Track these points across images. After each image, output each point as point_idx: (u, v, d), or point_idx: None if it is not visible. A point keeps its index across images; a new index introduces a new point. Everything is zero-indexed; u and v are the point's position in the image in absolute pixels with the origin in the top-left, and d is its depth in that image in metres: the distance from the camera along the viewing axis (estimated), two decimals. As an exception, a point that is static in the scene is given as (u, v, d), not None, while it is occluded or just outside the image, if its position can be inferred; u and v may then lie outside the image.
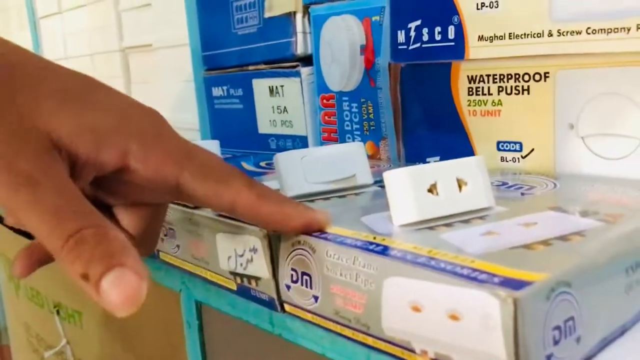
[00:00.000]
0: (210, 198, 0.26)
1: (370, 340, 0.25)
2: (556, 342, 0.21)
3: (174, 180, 0.25)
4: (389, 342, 0.24)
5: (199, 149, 0.27)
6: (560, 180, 0.35)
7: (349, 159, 0.36)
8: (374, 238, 0.26)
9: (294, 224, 0.27)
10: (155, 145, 0.25)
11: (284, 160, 0.35)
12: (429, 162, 0.44)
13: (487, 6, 0.37)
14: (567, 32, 0.33)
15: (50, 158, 0.22)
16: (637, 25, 0.31)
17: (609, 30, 0.32)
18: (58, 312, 0.69)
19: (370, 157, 0.50)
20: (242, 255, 0.31)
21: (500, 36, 0.36)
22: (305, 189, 0.35)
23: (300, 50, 0.54)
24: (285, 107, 0.57)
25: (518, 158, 0.39)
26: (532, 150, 0.38)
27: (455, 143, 0.42)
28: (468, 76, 0.41)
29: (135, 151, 0.24)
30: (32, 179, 0.21)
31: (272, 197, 0.27)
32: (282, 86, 0.56)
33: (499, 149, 0.40)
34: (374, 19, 0.46)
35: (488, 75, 0.39)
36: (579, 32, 0.33)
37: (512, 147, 0.39)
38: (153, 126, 0.26)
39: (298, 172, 0.35)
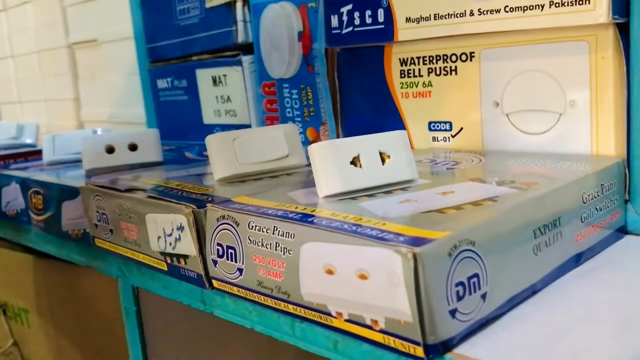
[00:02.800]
0: None
1: (291, 308, 0.25)
2: (460, 298, 0.22)
3: None
4: (309, 308, 0.24)
5: None
6: (486, 156, 0.36)
7: (282, 140, 0.37)
8: (296, 208, 0.27)
9: None
10: None
11: (215, 142, 0.35)
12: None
13: (413, -12, 0.38)
14: (487, 10, 0.34)
15: None
16: (550, 1, 0.32)
17: (525, 8, 0.33)
18: (4, 312, 0.68)
19: (311, 142, 0.51)
20: (170, 235, 0.31)
21: (426, 17, 0.37)
22: (236, 169, 0.35)
23: (241, 38, 0.54)
24: (228, 97, 0.57)
25: (448, 137, 0.40)
26: (461, 129, 0.39)
27: (390, 125, 0.43)
28: (400, 59, 0.41)
29: None
30: None
31: None
32: (224, 75, 0.56)
33: (430, 129, 0.41)
34: (310, 5, 0.47)
35: (418, 57, 0.40)
36: (497, 11, 0.34)
37: (443, 126, 0.40)
38: None
39: (229, 153, 0.35)
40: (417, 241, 0.21)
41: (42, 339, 0.62)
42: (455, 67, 0.39)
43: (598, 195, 0.30)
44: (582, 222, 0.29)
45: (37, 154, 0.63)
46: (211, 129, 0.60)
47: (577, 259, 0.29)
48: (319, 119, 0.49)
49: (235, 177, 0.35)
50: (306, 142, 0.51)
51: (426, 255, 0.20)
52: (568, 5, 0.31)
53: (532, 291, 0.26)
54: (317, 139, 0.50)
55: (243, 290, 0.28)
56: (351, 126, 0.46)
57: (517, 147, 0.37)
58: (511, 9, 0.34)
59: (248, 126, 0.56)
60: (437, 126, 0.40)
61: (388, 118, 0.43)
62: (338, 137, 0.47)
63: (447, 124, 0.40)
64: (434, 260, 0.21)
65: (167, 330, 0.38)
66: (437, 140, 0.41)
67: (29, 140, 0.69)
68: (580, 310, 0.24)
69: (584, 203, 0.29)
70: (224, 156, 0.35)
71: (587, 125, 0.34)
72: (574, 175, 0.29)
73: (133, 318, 0.40)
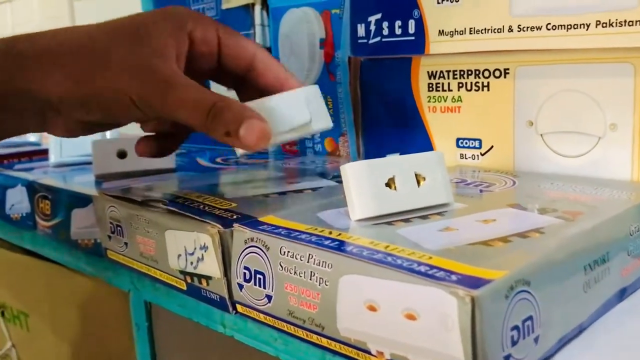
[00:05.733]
0: (238, 48, 0.35)
1: (324, 342, 0.24)
2: (514, 343, 0.20)
3: (217, 36, 0.35)
4: (344, 343, 0.23)
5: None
6: (519, 178, 0.35)
7: (303, 105, 0.33)
8: (330, 233, 0.25)
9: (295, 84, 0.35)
10: (199, 21, 0.34)
11: None
12: (388, 158, 0.44)
13: (447, 0, 0.36)
14: (527, 27, 0.33)
15: (177, 66, 0.32)
16: (597, 21, 0.31)
17: (569, 27, 0.32)
18: (3, 314, 0.66)
19: (329, 153, 0.49)
20: (192, 254, 0.29)
21: (460, 31, 0.36)
22: None
23: (258, 42, 0.52)
24: (243, 102, 0.55)
25: (477, 155, 0.38)
26: (492, 147, 0.38)
27: (415, 139, 0.41)
28: (428, 72, 0.40)
29: (194, 28, 0.34)
30: (172, 83, 0.31)
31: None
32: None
33: (458, 146, 0.39)
34: (333, 11, 0.45)
35: (448, 71, 0.39)
36: (538, 28, 0.33)
37: (472, 144, 0.39)
38: (190, 14, 0.35)
39: None
40: (472, 282, 0.19)
41: (42, 344, 0.60)
42: (488, 83, 0.37)
43: (643, 227, 0.29)
44: (628, 255, 0.27)
45: (41, 153, 0.61)
46: (223, 133, 0.58)
47: (622, 294, 0.27)
48: (339, 129, 0.47)
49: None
50: (323, 153, 0.49)
51: (484, 298, 0.19)
52: (616, 25, 0.30)
53: (579, 330, 0.24)
54: (335, 150, 0.48)
55: (271, 319, 0.26)
56: (372, 138, 0.45)
57: (550, 169, 0.36)
58: (554, 27, 0.32)
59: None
60: (466, 143, 0.39)
61: (413, 132, 0.41)
62: (358, 149, 0.46)
63: (477, 142, 0.38)
64: (491, 304, 0.19)
65: (180, 348, 0.37)
66: (465, 158, 0.39)
67: (33, 139, 0.68)
68: (629, 349, 0.23)
69: (631, 235, 0.27)
70: None
71: (628, 150, 0.32)
72: (620, 206, 0.28)
73: (144, 333, 0.38)
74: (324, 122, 0.34)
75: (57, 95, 0.31)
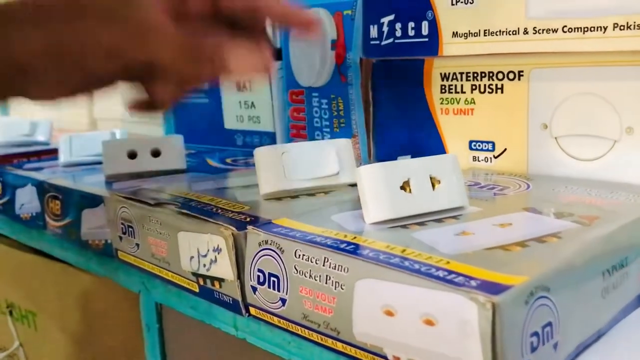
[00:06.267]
0: None
1: (339, 346, 0.24)
2: (534, 349, 0.20)
3: None
4: (360, 348, 0.23)
5: None
6: (533, 181, 0.34)
7: (333, 156, 0.34)
8: (345, 236, 0.25)
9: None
10: None
11: (263, 155, 0.33)
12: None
13: (462, 2, 0.36)
14: (543, 29, 0.33)
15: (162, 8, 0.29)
16: (614, 24, 0.30)
17: (585, 29, 0.31)
18: (11, 313, 0.66)
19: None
20: (205, 256, 0.29)
21: (475, 33, 0.36)
22: (283, 185, 0.33)
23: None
24: (252, 103, 0.55)
25: (490, 158, 0.38)
26: (505, 150, 0.38)
27: (427, 142, 0.41)
28: (441, 74, 0.40)
29: None
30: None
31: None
32: (250, 81, 0.54)
33: (471, 149, 0.39)
34: (345, 13, 0.45)
35: (461, 73, 0.39)
36: (554, 30, 0.32)
37: (485, 146, 0.38)
38: None
39: (277, 167, 0.33)
40: (492, 287, 0.19)
41: (49, 343, 0.60)
42: (502, 85, 0.37)
43: (661, 232, 0.28)
44: (645, 260, 0.27)
45: (51, 153, 0.61)
46: (232, 134, 0.58)
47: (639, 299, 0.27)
48: (350, 131, 0.47)
49: (282, 193, 0.33)
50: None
51: (505, 304, 0.19)
52: (633, 28, 0.30)
53: (598, 336, 0.24)
54: (346, 152, 0.48)
55: (285, 322, 0.26)
56: (384, 140, 0.45)
57: (565, 172, 0.35)
58: (569, 30, 0.32)
59: (272, 134, 0.54)
60: (479, 145, 0.39)
61: (425, 134, 0.41)
62: (369, 151, 0.46)
63: (490, 144, 0.38)
64: (511, 310, 0.19)
65: (191, 350, 0.37)
66: (478, 160, 0.39)
67: (42, 138, 0.68)
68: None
69: (649, 240, 0.27)
70: (271, 170, 0.33)
71: (644, 154, 0.32)
72: (638, 210, 0.28)
73: (154, 335, 0.38)
74: (350, 176, 0.35)
75: (31, 54, 0.29)
